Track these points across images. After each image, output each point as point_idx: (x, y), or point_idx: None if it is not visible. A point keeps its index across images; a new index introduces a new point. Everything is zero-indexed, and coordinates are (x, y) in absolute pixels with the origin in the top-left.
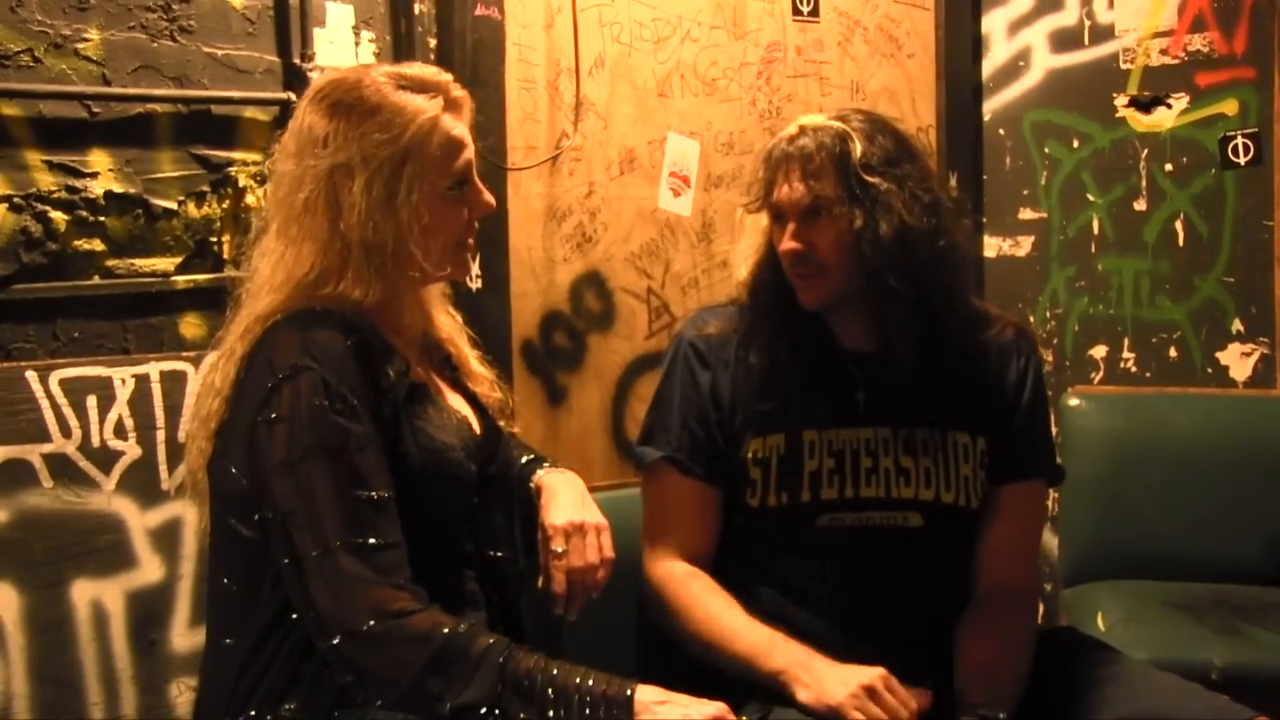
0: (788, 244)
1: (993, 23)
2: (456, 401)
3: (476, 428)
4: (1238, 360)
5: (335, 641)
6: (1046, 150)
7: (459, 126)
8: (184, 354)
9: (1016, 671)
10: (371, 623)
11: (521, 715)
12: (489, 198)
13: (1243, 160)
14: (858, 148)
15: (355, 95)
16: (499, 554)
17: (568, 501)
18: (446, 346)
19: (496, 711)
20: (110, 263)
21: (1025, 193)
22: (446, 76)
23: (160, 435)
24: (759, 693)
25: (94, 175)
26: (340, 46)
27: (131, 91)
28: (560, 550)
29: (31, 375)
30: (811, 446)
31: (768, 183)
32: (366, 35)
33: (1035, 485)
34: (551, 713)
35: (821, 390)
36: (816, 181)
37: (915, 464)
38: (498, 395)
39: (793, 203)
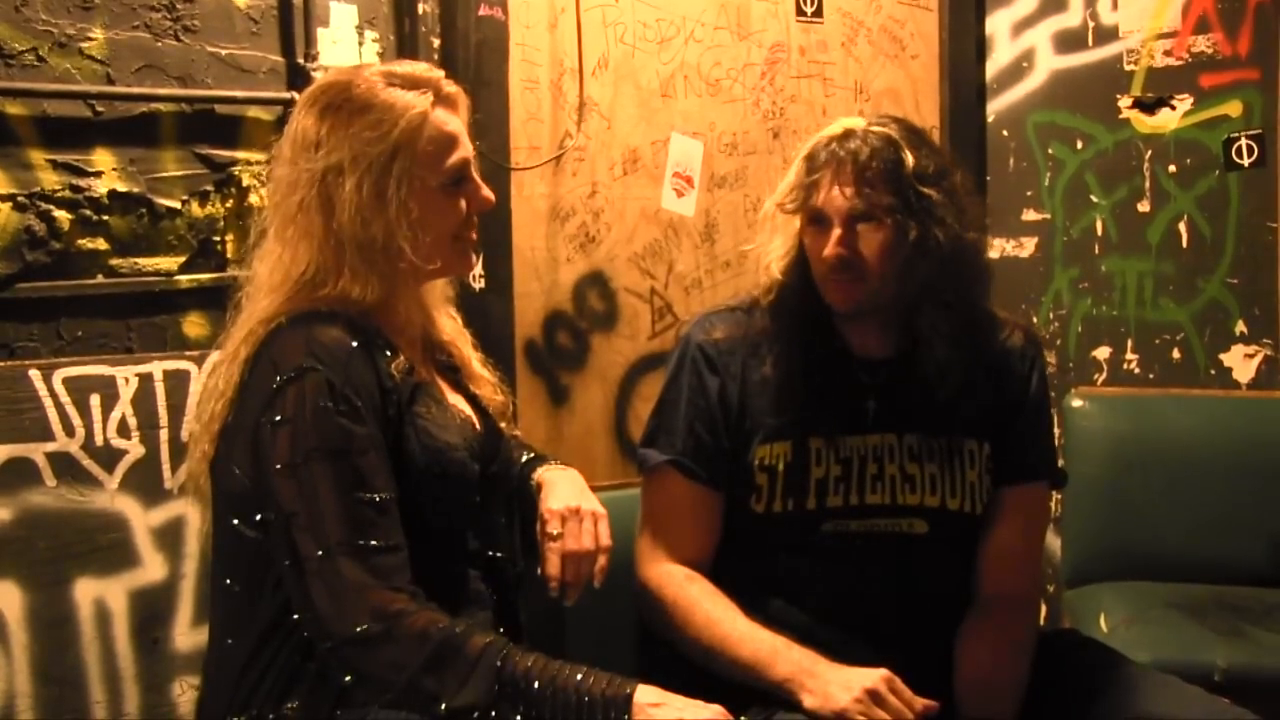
0: (832, 249)
1: (996, 24)
2: (458, 402)
3: (478, 427)
4: (1241, 362)
5: (334, 643)
6: (1050, 151)
7: (452, 122)
8: (187, 353)
9: (1015, 680)
10: (369, 625)
11: (519, 716)
12: (487, 193)
13: (1246, 162)
14: (910, 157)
15: (345, 96)
16: (499, 554)
17: (565, 490)
18: (449, 348)
19: (493, 713)
20: (114, 262)
21: (1029, 194)
22: (438, 73)
23: (163, 434)
24: (760, 697)
25: (98, 174)
26: (344, 46)
27: (135, 91)
28: (555, 533)
29: (35, 374)
30: (819, 453)
31: (810, 185)
32: (370, 35)
33: (1038, 488)
34: (549, 713)
35: (830, 397)
36: (872, 189)
37: (921, 471)
38: (499, 398)
39: (842, 208)
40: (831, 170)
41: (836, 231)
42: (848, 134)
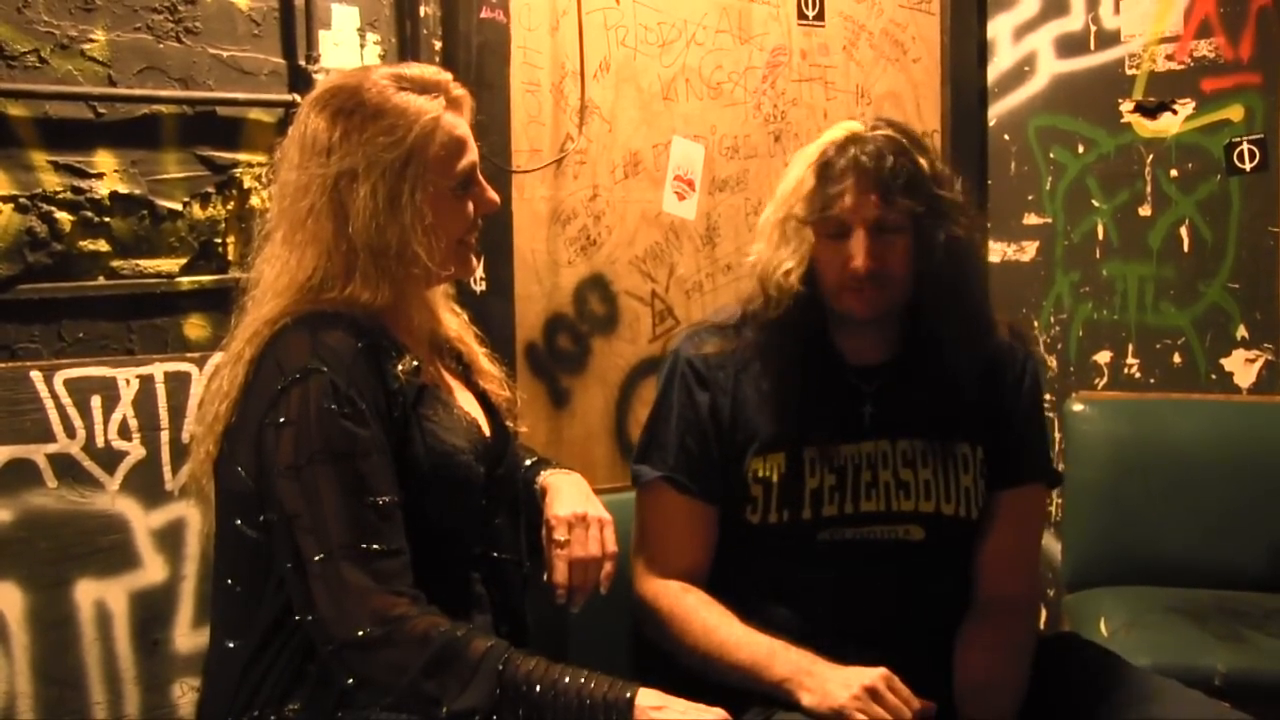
0: (864, 260)
1: (998, 28)
2: (467, 401)
3: (486, 429)
4: (1242, 366)
5: (335, 647)
6: (1051, 155)
7: (461, 125)
8: (188, 355)
9: (1014, 683)
10: (370, 629)
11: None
12: (493, 195)
13: (1248, 166)
14: (924, 162)
15: (357, 100)
16: (504, 556)
17: (571, 496)
18: (456, 345)
19: (494, 717)
20: (115, 263)
21: (1030, 198)
22: (446, 75)
23: (164, 436)
24: (759, 699)
25: (99, 176)
26: (345, 48)
27: (137, 92)
28: (563, 540)
29: (36, 375)
30: (812, 464)
31: (828, 195)
32: (372, 37)
33: (1034, 489)
34: (550, 717)
35: (823, 406)
36: (899, 197)
37: (915, 477)
38: (506, 394)
39: (870, 218)
40: (853, 179)
41: (865, 242)
42: (857, 139)
